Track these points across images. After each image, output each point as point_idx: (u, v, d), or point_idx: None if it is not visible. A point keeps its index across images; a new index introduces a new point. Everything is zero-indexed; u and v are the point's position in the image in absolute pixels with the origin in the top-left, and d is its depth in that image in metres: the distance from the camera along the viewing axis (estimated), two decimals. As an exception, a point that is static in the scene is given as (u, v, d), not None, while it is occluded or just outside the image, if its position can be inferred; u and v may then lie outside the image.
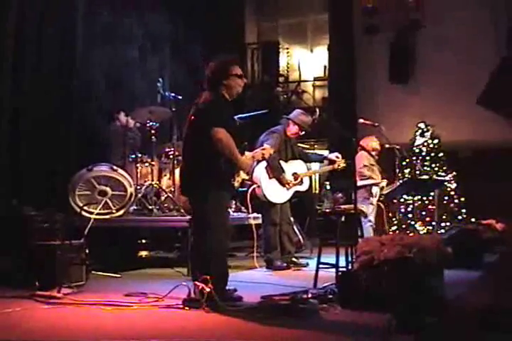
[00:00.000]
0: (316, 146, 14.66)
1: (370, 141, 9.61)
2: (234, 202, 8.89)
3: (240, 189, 7.82)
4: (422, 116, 11.94)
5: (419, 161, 11.36)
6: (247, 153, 5.93)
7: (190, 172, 5.74)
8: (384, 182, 9.46)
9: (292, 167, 8.31)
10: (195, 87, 9.42)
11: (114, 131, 9.07)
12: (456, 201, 11.27)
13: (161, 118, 8.77)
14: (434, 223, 10.73)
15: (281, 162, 8.16)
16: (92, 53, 9.60)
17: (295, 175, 8.31)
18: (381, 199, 9.58)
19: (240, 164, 5.70)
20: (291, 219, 8.56)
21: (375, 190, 9.42)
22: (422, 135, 11.72)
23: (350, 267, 6.35)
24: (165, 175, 8.86)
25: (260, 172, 8.04)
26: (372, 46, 13.17)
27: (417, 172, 11.06)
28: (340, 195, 9.15)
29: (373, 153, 9.51)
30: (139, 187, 8.36)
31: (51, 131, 8.72)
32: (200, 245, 5.66)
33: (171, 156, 8.60)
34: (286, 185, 8.14)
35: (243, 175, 6.07)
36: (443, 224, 10.80)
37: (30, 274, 6.25)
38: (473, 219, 10.53)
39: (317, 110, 9.25)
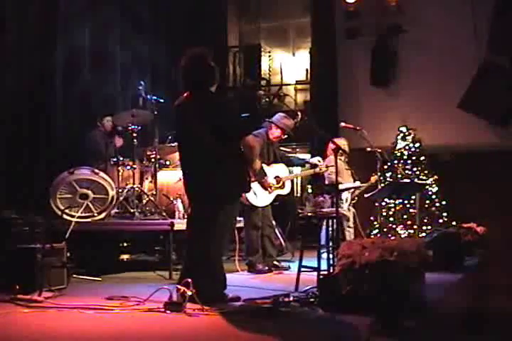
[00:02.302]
0: (298, 150, 14.69)
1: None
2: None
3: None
4: (403, 120, 11.99)
5: (400, 165, 11.39)
6: None
7: (213, 176, 5.60)
8: (364, 186, 9.49)
9: (274, 170, 8.32)
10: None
11: (97, 135, 9.08)
12: (437, 204, 11.32)
13: (143, 122, 8.76)
14: (415, 226, 10.77)
15: (264, 165, 8.17)
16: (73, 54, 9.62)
17: (277, 179, 8.32)
18: (353, 202, 9.60)
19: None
20: (273, 222, 8.56)
21: (345, 195, 9.42)
22: (403, 139, 11.76)
23: (331, 270, 6.36)
24: (147, 179, 8.85)
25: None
26: (354, 49, 13.19)
27: (399, 175, 11.09)
28: (321, 198, 9.18)
29: (342, 158, 9.45)
30: (120, 191, 8.34)
31: (33, 133, 8.70)
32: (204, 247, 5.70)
33: (153, 159, 8.60)
34: (268, 189, 8.15)
35: None
36: (424, 228, 10.83)
37: (10, 278, 6.21)
38: (454, 223, 10.56)
39: (299, 114, 9.24)
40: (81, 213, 7.79)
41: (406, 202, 11.12)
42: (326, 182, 9.40)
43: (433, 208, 11.28)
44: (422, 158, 11.63)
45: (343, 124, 9.21)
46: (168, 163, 9.07)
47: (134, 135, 8.55)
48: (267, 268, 8.12)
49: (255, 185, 8.07)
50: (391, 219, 11.18)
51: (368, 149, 9.35)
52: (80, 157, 8.92)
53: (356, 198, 9.77)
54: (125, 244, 9.60)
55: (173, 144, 9.09)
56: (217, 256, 5.78)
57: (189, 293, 5.27)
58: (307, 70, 14.81)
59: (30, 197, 8.22)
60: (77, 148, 9.19)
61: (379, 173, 9.44)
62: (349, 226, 9.53)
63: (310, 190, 9.96)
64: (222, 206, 5.65)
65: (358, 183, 9.60)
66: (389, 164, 11.21)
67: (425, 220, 11.08)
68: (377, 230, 11.14)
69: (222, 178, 5.59)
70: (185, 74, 5.75)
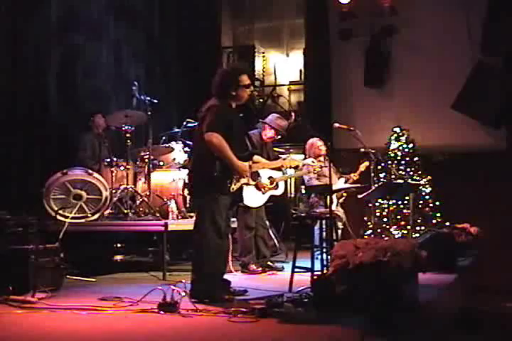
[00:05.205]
0: (291, 151, 14.66)
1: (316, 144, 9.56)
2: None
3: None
4: (397, 121, 11.99)
5: (394, 165, 11.39)
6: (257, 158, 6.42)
7: (191, 175, 6.27)
8: (356, 186, 9.45)
9: (268, 171, 8.31)
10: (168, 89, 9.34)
11: (90, 137, 9.05)
12: (430, 205, 11.31)
13: (137, 122, 8.74)
14: (408, 227, 10.76)
15: (257, 166, 8.16)
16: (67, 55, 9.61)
17: (271, 179, 8.31)
18: (340, 202, 9.57)
19: (234, 168, 5.93)
20: (267, 223, 8.56)
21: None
22: (397, 139, 11.76)
23: (325, 271, 6.37)
24: (140, 179, 8.83)
25: (236, 176, 8.03)
26: (348, 50, 13.18)
27: (392, 176, 11.09)
28: (315, 199, 9.18)
29: (321, 159, 9.41)
30: (114, 191, 8.33)
31: (26, 133, 8.68)
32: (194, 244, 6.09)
33: (146, 160, 8.59)
34: (262, 189, 8.14)
35: (244, 180, 6.15)
36: (418, 228, 10.83)
37: (3, 278, 6.20)
38: (447, 223, 10.55)
39: (293, 114, 9.24)
40: (75, 214, 7.79)
41: (399, 202, 11.12)
42: (303, 187, 9.44)
43: (426, 209, 11.28)
44: (416, 158, 11.62)
45: (336, 125, 9.19)
46: (161, 163, 9.05)
47: (128, 135, 8.54)
48: (260, 268, 8.11)
49: (249, 186, 8.06)
50: (384, 219, 11.17)
51: (362, 150, 9.36)
52: (72, 154, 8.93)
53: (343, 197, 9.73)
54: (119, 245, 9.60)
55: (166, 145, 9.10)
56: (209, 251, 5.89)
57: (183, 293, 5.29)
58: (301, 71, 14.79)
59: (23, 198, 8.20)
60: (72, 149, 9.16)
61: (372, 174, 9.44)
62: (338, 227, 9.47)
63: (303, 191, 9.92)
64: (211, 195, 5.93)
65: (342, 180, 9.58)
66: (382, 165, 11.20)
67: (419, 221, 11.08)
68: (370, 231, 11.14)
69: (211, 171, 5.87)
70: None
